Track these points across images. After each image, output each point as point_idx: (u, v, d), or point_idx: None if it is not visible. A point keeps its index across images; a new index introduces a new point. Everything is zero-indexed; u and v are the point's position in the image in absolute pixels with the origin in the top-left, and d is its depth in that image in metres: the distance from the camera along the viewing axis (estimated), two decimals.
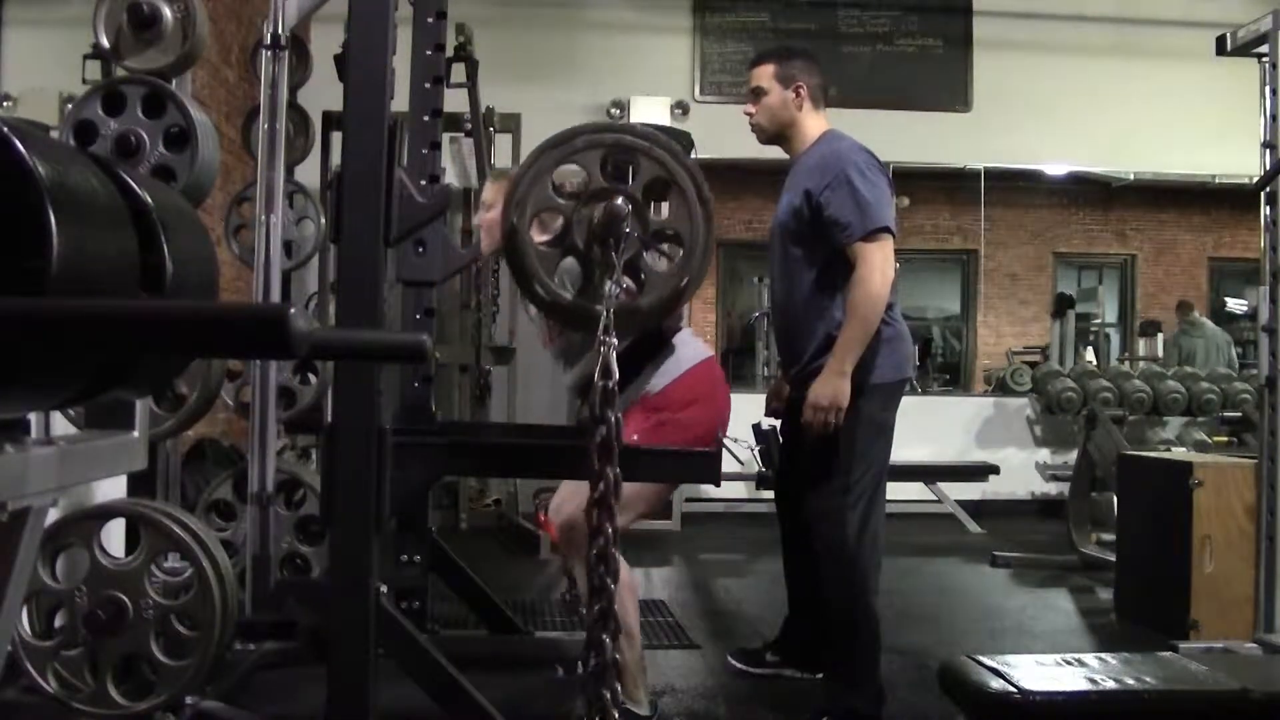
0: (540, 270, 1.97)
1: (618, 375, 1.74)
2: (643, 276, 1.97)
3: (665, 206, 2.05)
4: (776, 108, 2.72)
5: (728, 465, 4.06)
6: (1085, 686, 1.84)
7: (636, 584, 2.77)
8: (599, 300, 1.87)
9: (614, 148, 1.96)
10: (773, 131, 2.75)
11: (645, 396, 2.47)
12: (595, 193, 1.94)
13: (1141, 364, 7.46)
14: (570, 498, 2.44)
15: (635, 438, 2.39)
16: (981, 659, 1.95)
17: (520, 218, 1.96)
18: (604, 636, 1.65)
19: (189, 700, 2.18)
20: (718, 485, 2.30)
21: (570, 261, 2.01)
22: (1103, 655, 2.04)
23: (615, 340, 1.79)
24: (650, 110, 6.59)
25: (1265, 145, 3.03)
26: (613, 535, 1.69)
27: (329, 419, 2.07)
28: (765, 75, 2.72)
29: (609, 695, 1.63)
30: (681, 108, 7.06)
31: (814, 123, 2.73)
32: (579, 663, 2.92)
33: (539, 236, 2.06)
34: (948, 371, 9.36)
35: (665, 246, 2.09)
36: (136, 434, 1.19)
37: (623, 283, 1.92)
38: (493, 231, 2.48)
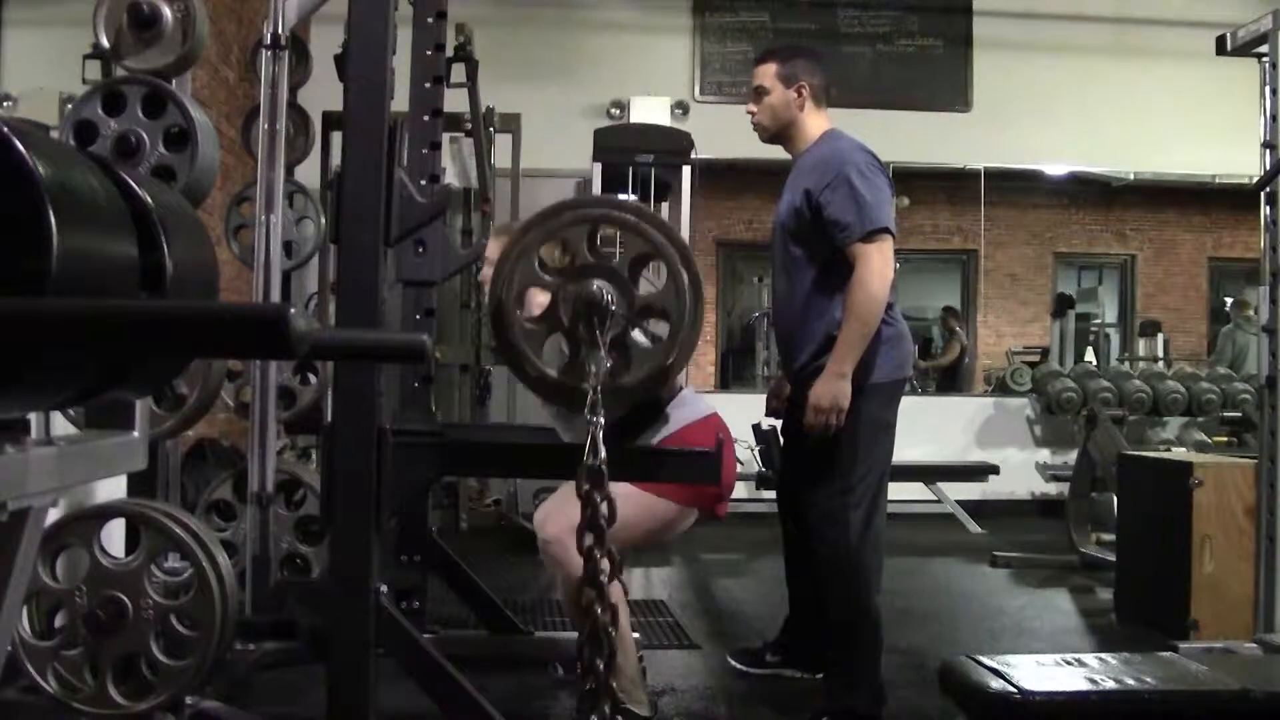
0: (526, 348, 1.93)
1: (604, 454, 1.66)
2: (629, 353, 1.93)
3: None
4: (778, 107, 2.72)
5: None
6: (1085, 686, 1.84)
7: (625, 585, 2.72)
8: (584, 378, 1.82)
9: (600, 222, 1.93)
10: (774, 130, 2.75)
11: None
12: (581, 269, 1.90)
13: (1141, 364, 7.44)
14: (557, 513, 2.37)
15: None
16: (981, 659, 1.94)
17: (507, 295, 1.92)
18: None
19: (189, 700, 2.17)
20: (718, 485, 2.29)
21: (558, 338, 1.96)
22: (1103, 655, 2.04)
23: (602, 419, 1.72)
24: (650, 110, 6.56)
25: (1265, 145, 3.02)
26: (609, 616, 1.56)
27: (329, 419, 2.07)
28: (768, 74, 2.72)
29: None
30: (681, 108, 7.06)
31: (815, 122, 2.73)
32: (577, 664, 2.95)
33: (539, 298, 2.02)
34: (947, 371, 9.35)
35: (653, 322, 2.03)
36: (136, 434, 1.20)
37: (607, 361, 1.86)
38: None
